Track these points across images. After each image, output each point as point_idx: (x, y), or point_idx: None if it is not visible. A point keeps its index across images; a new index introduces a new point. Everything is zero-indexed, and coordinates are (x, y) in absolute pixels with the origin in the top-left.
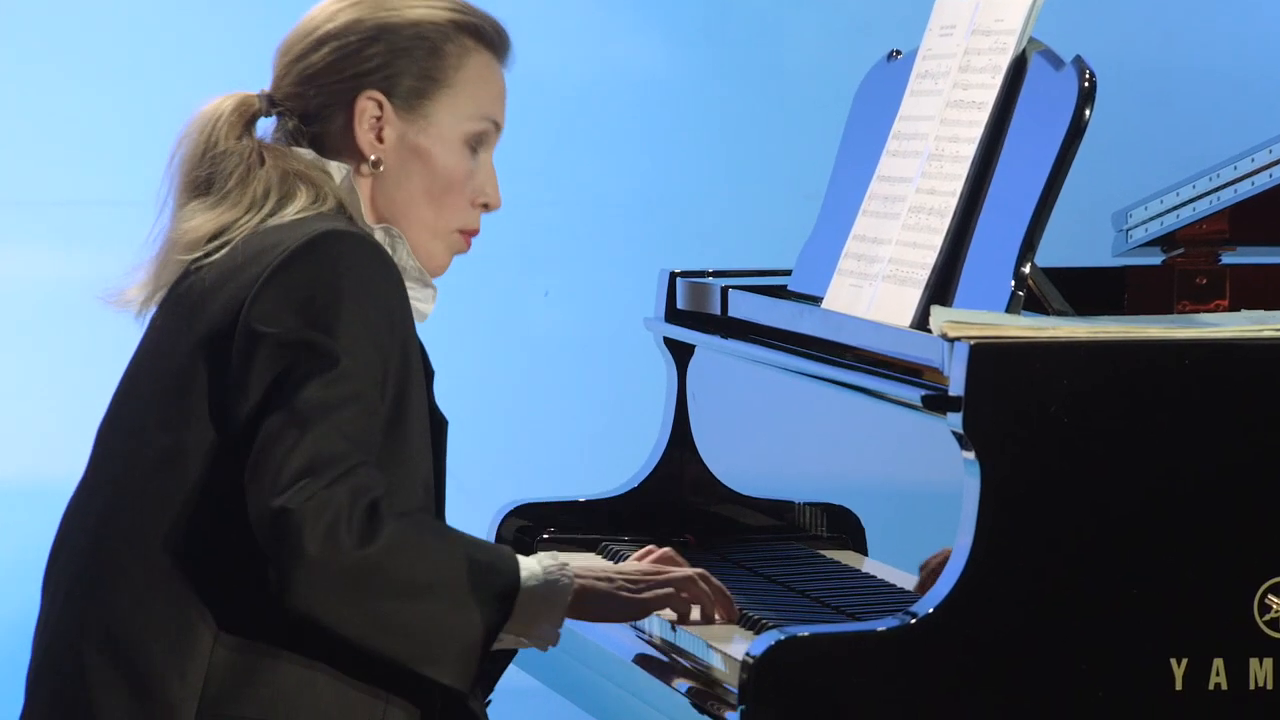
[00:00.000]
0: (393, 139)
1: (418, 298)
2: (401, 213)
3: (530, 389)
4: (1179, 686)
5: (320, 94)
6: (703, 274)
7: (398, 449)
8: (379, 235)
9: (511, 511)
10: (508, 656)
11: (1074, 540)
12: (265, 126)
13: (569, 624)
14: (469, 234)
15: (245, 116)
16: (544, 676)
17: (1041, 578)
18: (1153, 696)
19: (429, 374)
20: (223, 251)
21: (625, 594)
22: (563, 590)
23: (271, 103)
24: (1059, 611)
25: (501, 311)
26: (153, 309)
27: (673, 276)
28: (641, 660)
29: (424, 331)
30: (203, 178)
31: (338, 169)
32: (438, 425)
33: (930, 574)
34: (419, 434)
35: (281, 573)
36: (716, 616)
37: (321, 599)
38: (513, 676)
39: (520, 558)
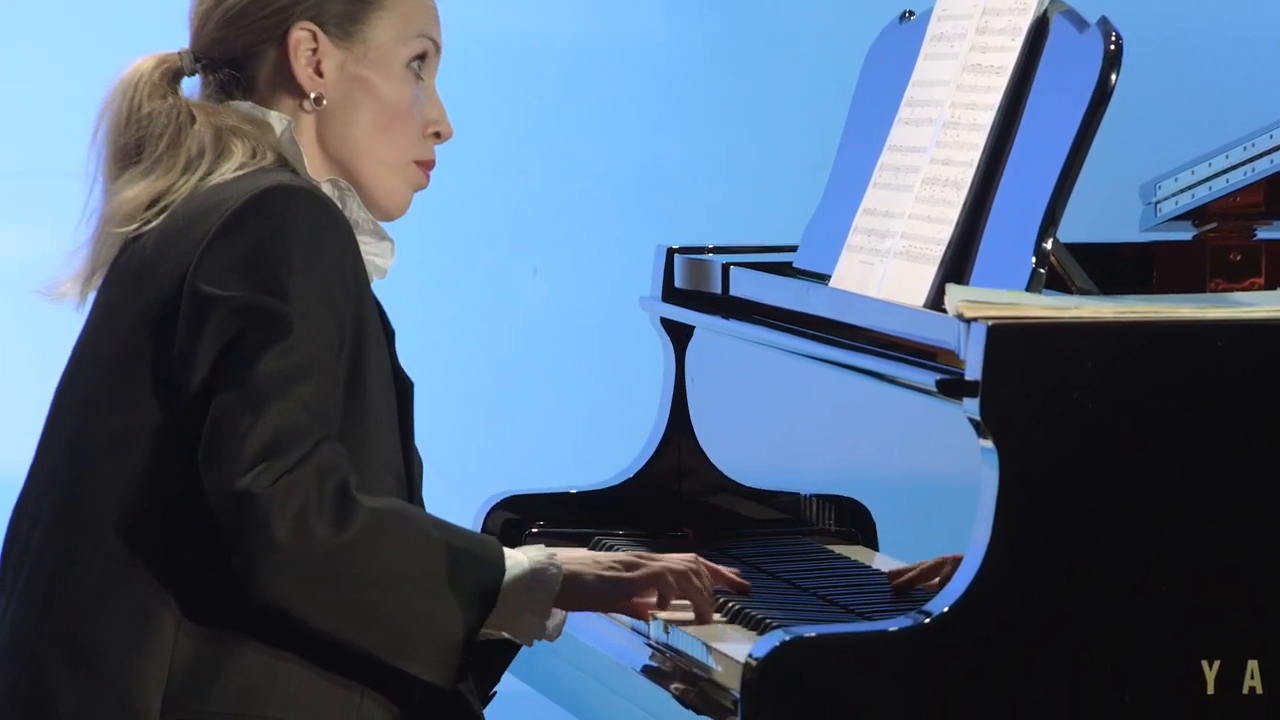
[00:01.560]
0: (332, 70)
1: (374, 252)
2: (354, 150)
3: (518, 373)
4: (1211, 690)
5: (246, 34)
6: (702, 250)
7: (358, 413)
8: (327, 188)
9: (499, 504)
10: (514, 647)
11: (1098, 534)
12: (191, 88)
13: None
14: (426, 166)
15: (168, 75)
16: (533, 680)
17: (1063, 574)
18: (1182, 701)
19: (389, 334)
20: (161, 218)
21: (612, 576)
22: (550, 581)
23: (195, 58)
24: (1082, 610)
25: (487, 291)
26: (94, 292)
27: (670, 253)
28: (636, 663)
29: (403, 311)
30: (131, 144)
31: (278, 120)
32: (402, 387)
33: (920, 574)
34: (380, 397)
35: (247, 562)
36: (715, 615)
37: (291, 590)
38: (503, 679)
39: (505, 548)
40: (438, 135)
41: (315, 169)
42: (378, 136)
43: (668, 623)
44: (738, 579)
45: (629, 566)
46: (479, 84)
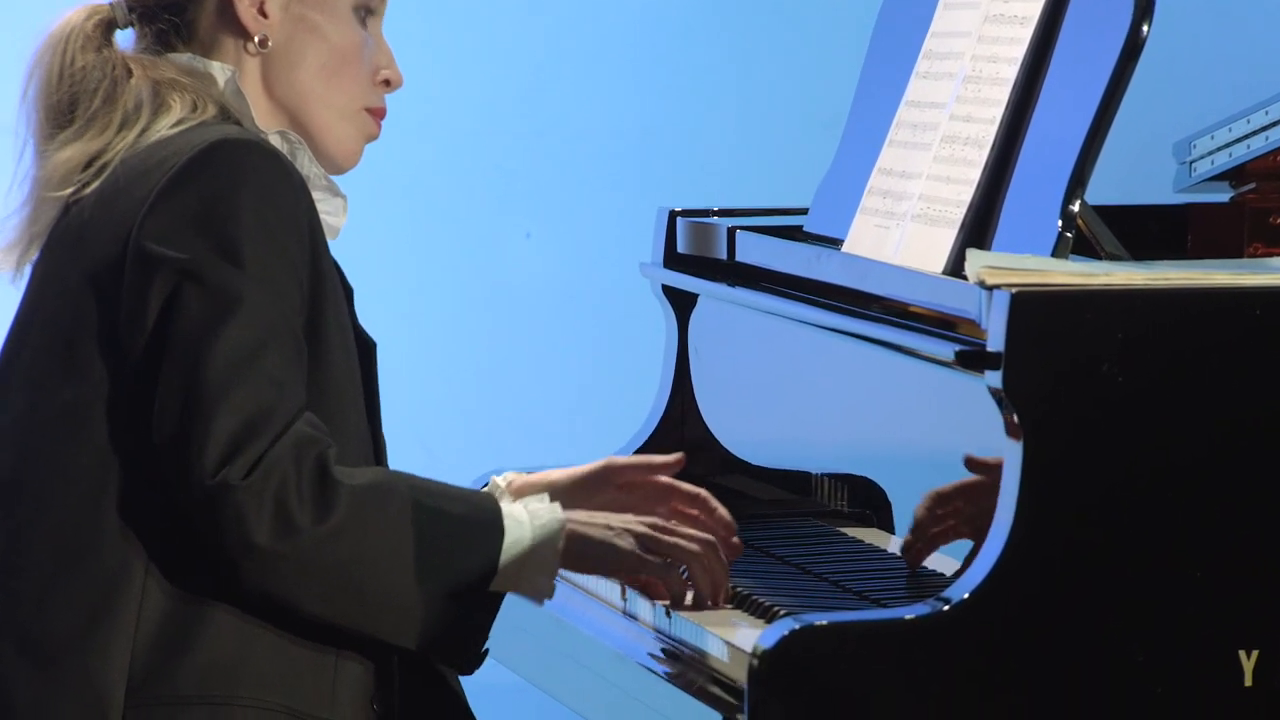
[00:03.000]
0: (276, 11)
1: (327, 210)
2: (303, 96)
3: (509, 345)
4: (1249, 682)
5: None
6: (707, 213)
7: (318, 377)
8: (276, 141)
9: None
10: (497, 599)
11: (1128, 515)
12: (126, 41)
13: (550, 612)
14: (377, 115)
15: (101, 27)
16: (523, 670)
17: (1091, 558)
18: (1218, 693)
19: (348, 292)
20: (100, 179)
21: (623, 543)
22: (553, 538)
23: (129, 8)
24: (1111, 597)
25: (477, 257)
26: (30, 266)
27: (672, 216)
28: (635, 653)
29: (386, 278)
30: (64, 102)
31: (220, 70)
32: (365, 348)
33: (922, 543)
34: (342, 360)
35: (229, 560)
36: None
37: (278, 583)
38: (490, 671)
39: (503, 505)
40: (387, 83)
41: (262, 119)
42: (327, 81)
43: (669, 608)
44: (732, 535)
45: (642, 540)
46: (468, 33)
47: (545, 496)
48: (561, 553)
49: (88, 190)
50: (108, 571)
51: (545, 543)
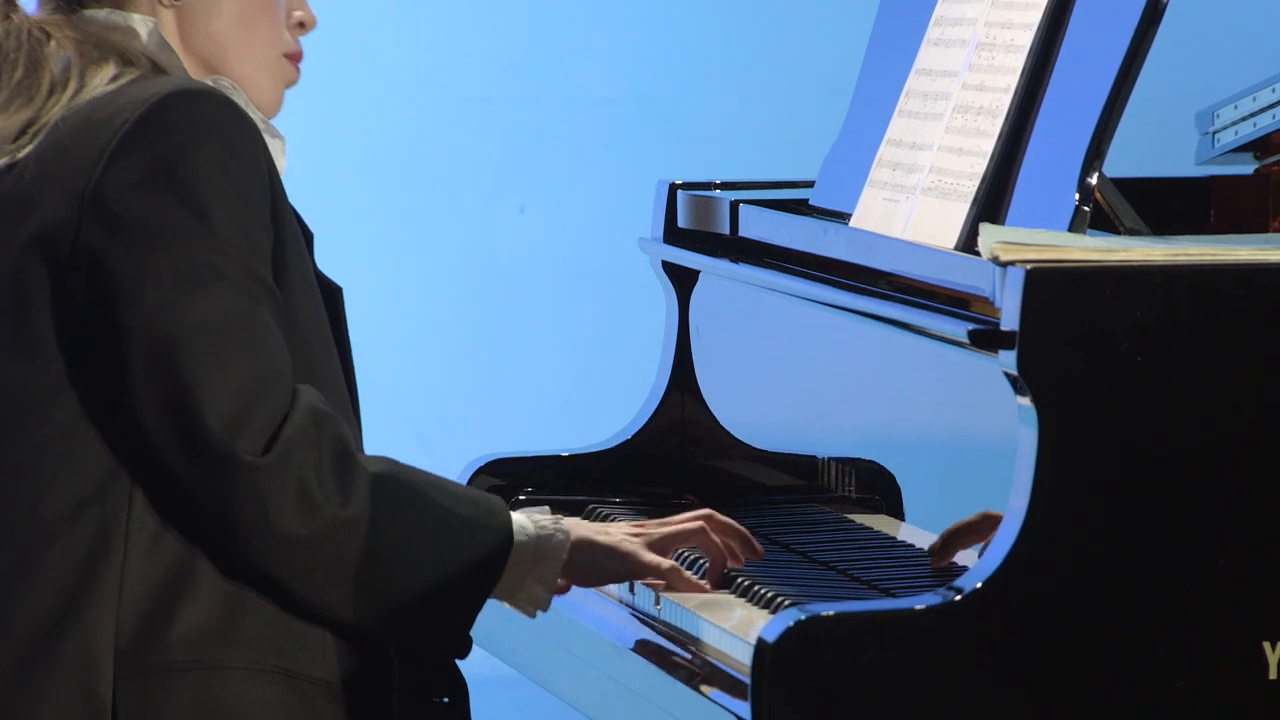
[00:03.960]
0: None
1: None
2: (222, 47)
3: (503, 323)
4: (1274, 675)
5: None
6: (709, 186)
7: (288, 325)
8: None
9: (482, 468)
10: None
11: (1149, 501)
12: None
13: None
14: (295, 59)
15: None
16: (516, 662)
17: (1110, 546)
18: (1241, 686)
19: (308, 237)
20: (35, 142)
21: (628, 547)
22: (557, 547)
23: None
24: (1131, 588)
25: (468, 231)
26: None
27: (673, 188)
28: (632, 643)
29: (373, 253)
30: None
31: (142, 22)
32: (330, 294)
33: (954, 539)
34: (308, 306)
35: (240, 540)
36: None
37: (290, 570)
38: (483, 664)
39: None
40: (302, 25)
41: (191, 72)
42: (245, 30)
43: (665, 595)
44: (752, 542)
45: (643, 540)
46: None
47: (547, 509)
48: (566, 564)
49: (23, 156)
50: (85, 546)
51: (550, 555)
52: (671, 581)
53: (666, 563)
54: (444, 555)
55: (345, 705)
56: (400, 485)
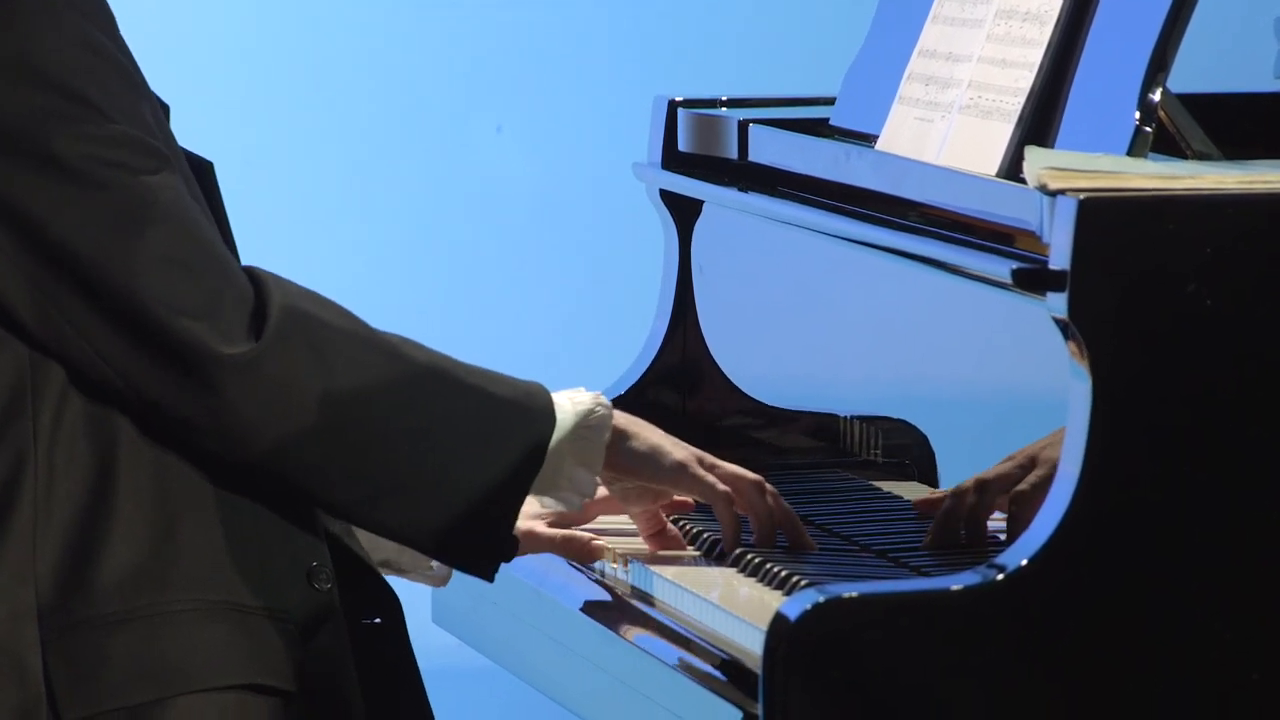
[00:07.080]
0: None
1: None
2: None
3: (481, 258)
4: None
5: None
6: (713, 103)
7: None
8: None
9: None
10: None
11: (1217, 465)
12: None
13: (528, 583)
14: None
15: None
16: (491, 651)
17: (1172, 516)
18: None
19: (164, 108)
20: None
21: (678, 453)
22: (600, 427)
23: None
24: (1196, 562)
25: (441, 155)
26: None
27: (672, 106)
28: (626, 631)
29: (338, 181)
30: None
31: None
32: (199, 167)
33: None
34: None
35: (252, 452)
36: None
37: (295, 448)
38: (453, 653)
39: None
40: None
41: None
42: None
43: (661, 573)
44: (803, 535)
45: (701, 461)
46: None
47: (582, 389)
48: (608, 446)
49: None
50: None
51: (594, 430)
52: (713, 503)
53: (706, 479)
54: (477, 436)
55: (294, 635)
56: (419, 350)
